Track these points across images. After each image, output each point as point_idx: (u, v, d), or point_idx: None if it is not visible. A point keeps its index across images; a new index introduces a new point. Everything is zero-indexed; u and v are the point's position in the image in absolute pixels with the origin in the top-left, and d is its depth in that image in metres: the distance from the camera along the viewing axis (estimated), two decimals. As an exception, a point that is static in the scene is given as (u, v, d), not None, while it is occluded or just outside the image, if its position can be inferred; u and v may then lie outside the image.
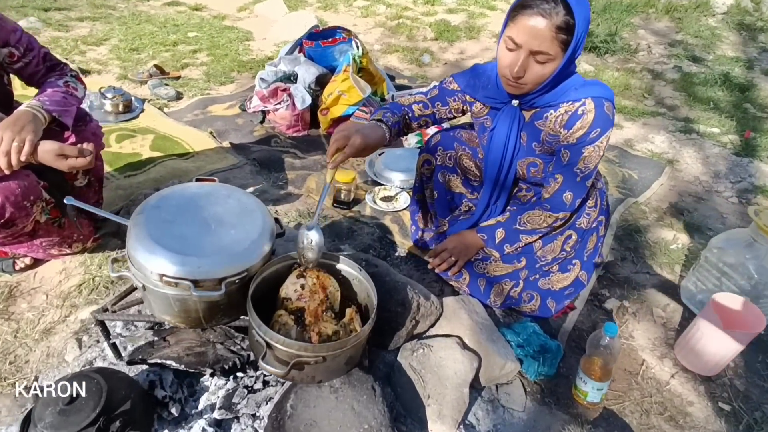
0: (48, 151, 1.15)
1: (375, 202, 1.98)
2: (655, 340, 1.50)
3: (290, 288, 1.07)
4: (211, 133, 2.36)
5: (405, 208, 1.96)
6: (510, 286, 1.47)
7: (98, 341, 1.29)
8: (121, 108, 2.44)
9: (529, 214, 1.38)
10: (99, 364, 1.24)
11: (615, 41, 3.94)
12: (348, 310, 1.08)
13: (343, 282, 1.18)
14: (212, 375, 1.08)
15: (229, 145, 2.28)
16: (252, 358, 1.12)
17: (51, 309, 1.40)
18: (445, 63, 3.73)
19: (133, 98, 2.54)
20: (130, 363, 1.14)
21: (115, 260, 1.06)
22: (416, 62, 3.65)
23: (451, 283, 1.54)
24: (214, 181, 1.22)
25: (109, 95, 2.43)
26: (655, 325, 1.55)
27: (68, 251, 1.47)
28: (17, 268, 1.48)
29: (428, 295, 1.31)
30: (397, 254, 1.74)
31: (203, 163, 2.12)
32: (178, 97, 2.74)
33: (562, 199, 1.32)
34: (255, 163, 2.16)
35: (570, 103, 1.24)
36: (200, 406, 1.12)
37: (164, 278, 0.94)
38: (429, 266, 1.52)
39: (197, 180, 1.21)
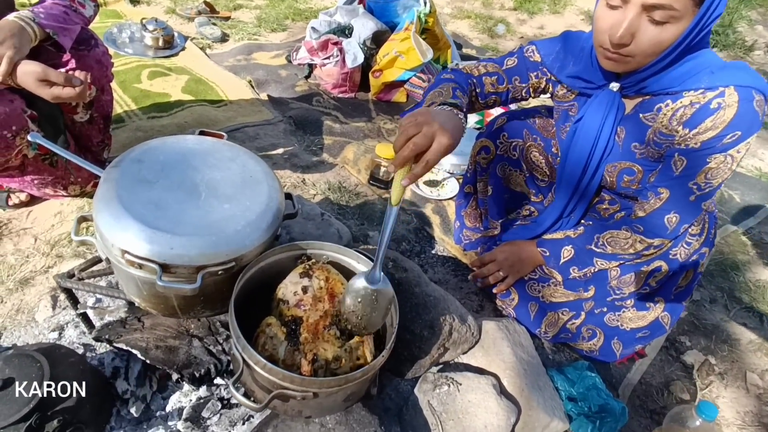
0: (28, 73, 0.94)
1: (417, 186, 1.70)
2: (746, 416, 1.17)
3: (289, 288, 0.83)
4: (249, 82, 2.14)
5: (451, 198, 1.67)
6: (568, 317, 1.18)
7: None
8: (161, 43, 2.25)
9: (611, 233, 1.07)
10: (71, 331, 1.06)
11: (727, 34, 3.35)
12: (359, 329, 0.83)
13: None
14: (178, 381, 0.87)
15: (266, 98, 2.05)
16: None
17: (36, 255, 1.24)
18: (521, 37, 3.31)
19: (175, 34, 2.34)
20: (96, 340, 0.95)
21: (83, 219, 0.85)
22: (489, 32, 3.25)
23: (496, 300, 1.26)
24: (221, 137, 0.98)
25: (150, 27, 2.24)
26: (747, 396, 1.21)
27: (63, 193, 1.30)
28: (11, 203, 1.33)
29: (464, 317, 1.04)
30: (433, 252, 1.47)
31: (234, 113, 1.90)
32: (224, 39, 2.52)
33: (663, 221, 1.00)
34: (291, 122, 1.92)
35: (700, 92, 0.89)
36: (169, 407, 0.92)
37: (126, 256, 0.72)
38: (470, 277, 1.24)
39: (201, 133, 0.97)
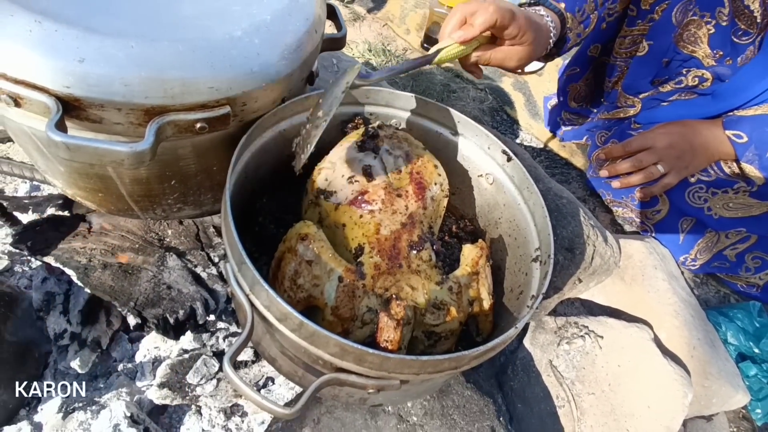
0: None
1: (489, 53, 1.23)
2: None
3: (339, 170, 0.43)
4: None
5: (536, 71, 1.21)
6: (733, 241, 0.79)
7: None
8: None
9: None
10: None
11: None
12: (469, 249, 0.44)
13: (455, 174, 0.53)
14: (138, 328, 0.50)
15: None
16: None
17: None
18: None
19: None
20: (15, 246, 0.58)
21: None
22: None
23: (618, 209, 0.86)
24: None
25: None
26: None
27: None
28: None
29: (605, 233, 0.66)
30: (517, 141, 1.05)
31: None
32: None
33: None
34: (313, -39, 1.39)
35: None
36: (140, 356, 0.58)
37: (-16, 75, 0.32)
38: (602, 171, 0.82)
39: None
